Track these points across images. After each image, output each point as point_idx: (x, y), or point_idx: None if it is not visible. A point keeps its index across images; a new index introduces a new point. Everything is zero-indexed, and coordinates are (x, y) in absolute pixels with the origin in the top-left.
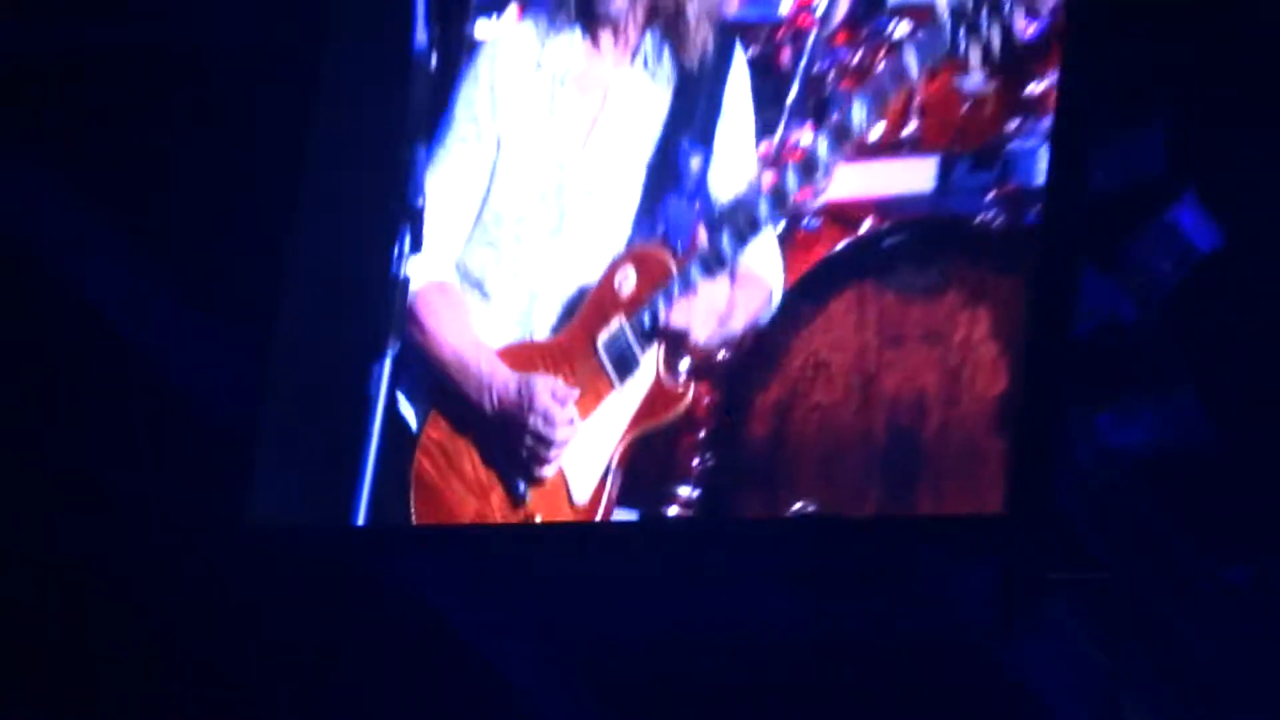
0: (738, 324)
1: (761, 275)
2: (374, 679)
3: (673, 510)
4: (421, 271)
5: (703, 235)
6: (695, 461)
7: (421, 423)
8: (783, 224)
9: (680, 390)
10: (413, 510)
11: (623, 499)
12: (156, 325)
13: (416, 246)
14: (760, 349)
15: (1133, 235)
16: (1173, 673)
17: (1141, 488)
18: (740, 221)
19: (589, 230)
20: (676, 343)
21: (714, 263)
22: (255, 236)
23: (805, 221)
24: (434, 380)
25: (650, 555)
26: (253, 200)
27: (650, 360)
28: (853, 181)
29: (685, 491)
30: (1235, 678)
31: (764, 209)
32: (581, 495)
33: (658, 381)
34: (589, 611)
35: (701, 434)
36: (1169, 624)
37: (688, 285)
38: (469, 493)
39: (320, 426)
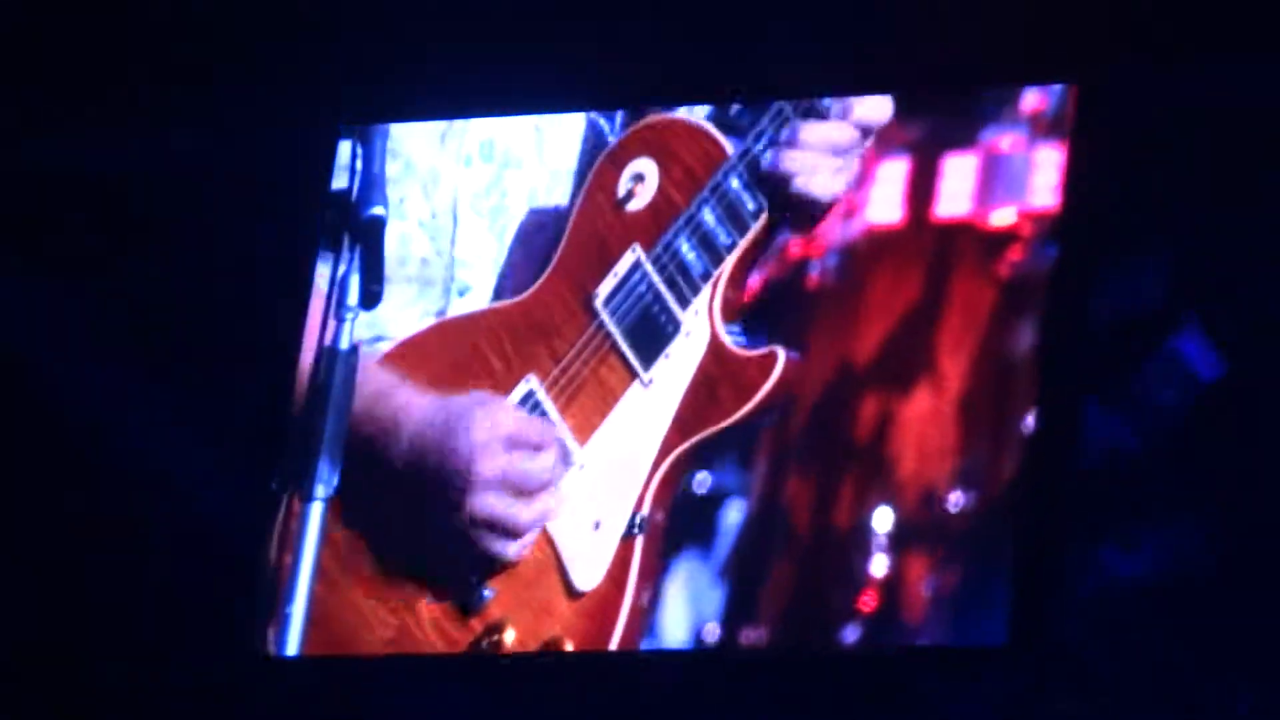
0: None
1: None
2: None
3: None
4: None
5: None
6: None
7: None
8: None
9: (760, 358)
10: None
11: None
12: (164, 449)
13: None
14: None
15: (1135, 365)
16: None
17: (1145, 618)
18: None
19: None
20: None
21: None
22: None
23: None
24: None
25: (645, 681)
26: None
27: (698, 316)
28: None
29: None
30: None
31: None
32: (588, 577)
33: (715, 346)
34: None
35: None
36: None
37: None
38: (381, 608)
39: None
